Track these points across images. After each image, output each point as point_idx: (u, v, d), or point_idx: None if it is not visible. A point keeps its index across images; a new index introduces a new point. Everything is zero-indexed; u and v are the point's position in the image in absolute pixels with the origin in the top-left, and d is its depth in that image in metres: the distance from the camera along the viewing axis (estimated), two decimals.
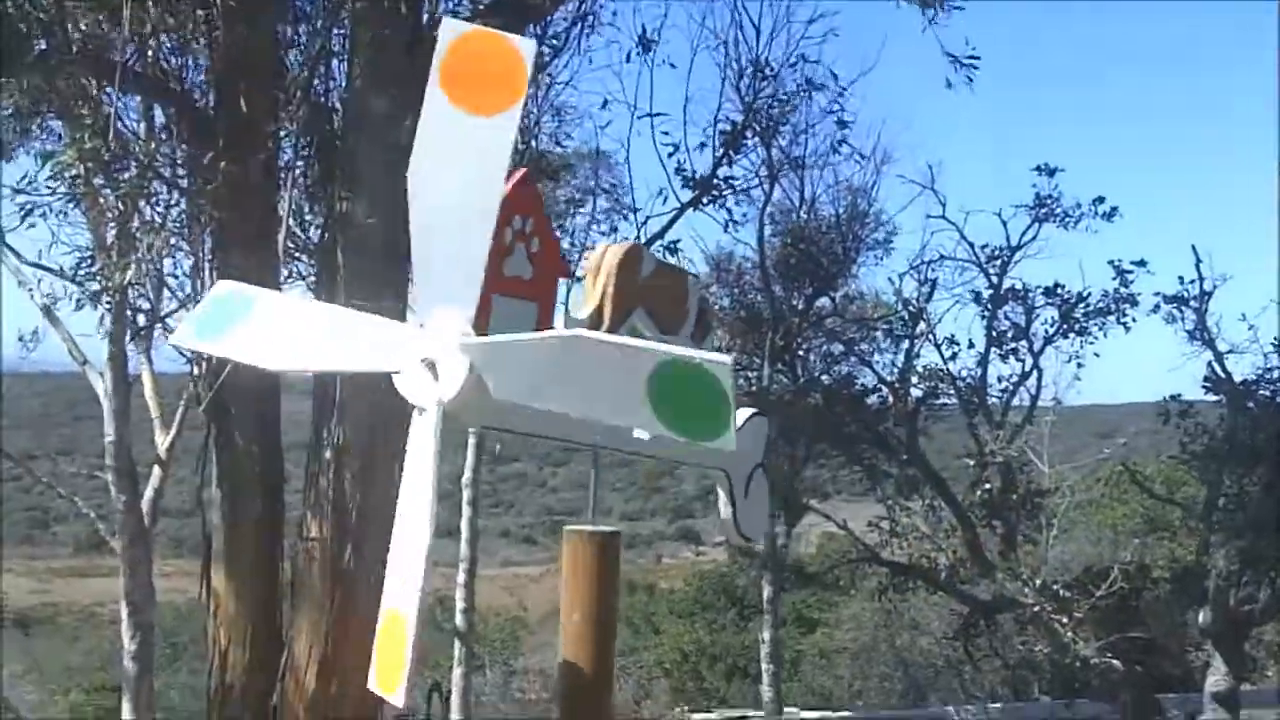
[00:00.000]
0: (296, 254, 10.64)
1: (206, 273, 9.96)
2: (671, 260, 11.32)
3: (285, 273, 10.27)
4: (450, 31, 3.43)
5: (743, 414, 4.32)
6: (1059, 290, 14.45)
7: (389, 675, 3.10)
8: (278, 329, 3.53)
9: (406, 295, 9.66)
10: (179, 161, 10.28)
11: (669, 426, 3.15)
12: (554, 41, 11.49)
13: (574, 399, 3.22)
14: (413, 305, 4.09)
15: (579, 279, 3.89)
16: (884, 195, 19.07)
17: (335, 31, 10.02)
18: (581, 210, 15.63)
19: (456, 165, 3.29)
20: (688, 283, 4.23)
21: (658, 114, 11.73)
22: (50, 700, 27.35)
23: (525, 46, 3.38)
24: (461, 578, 17.66)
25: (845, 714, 20.37)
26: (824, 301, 16.89)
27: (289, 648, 9.37)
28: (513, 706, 23.49)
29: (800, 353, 16.46)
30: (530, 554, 61.09)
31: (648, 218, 13.21)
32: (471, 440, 17.32)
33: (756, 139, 13.14)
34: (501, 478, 73.98)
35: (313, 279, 10.39)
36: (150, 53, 9.95)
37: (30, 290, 13.97)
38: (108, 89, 9.53)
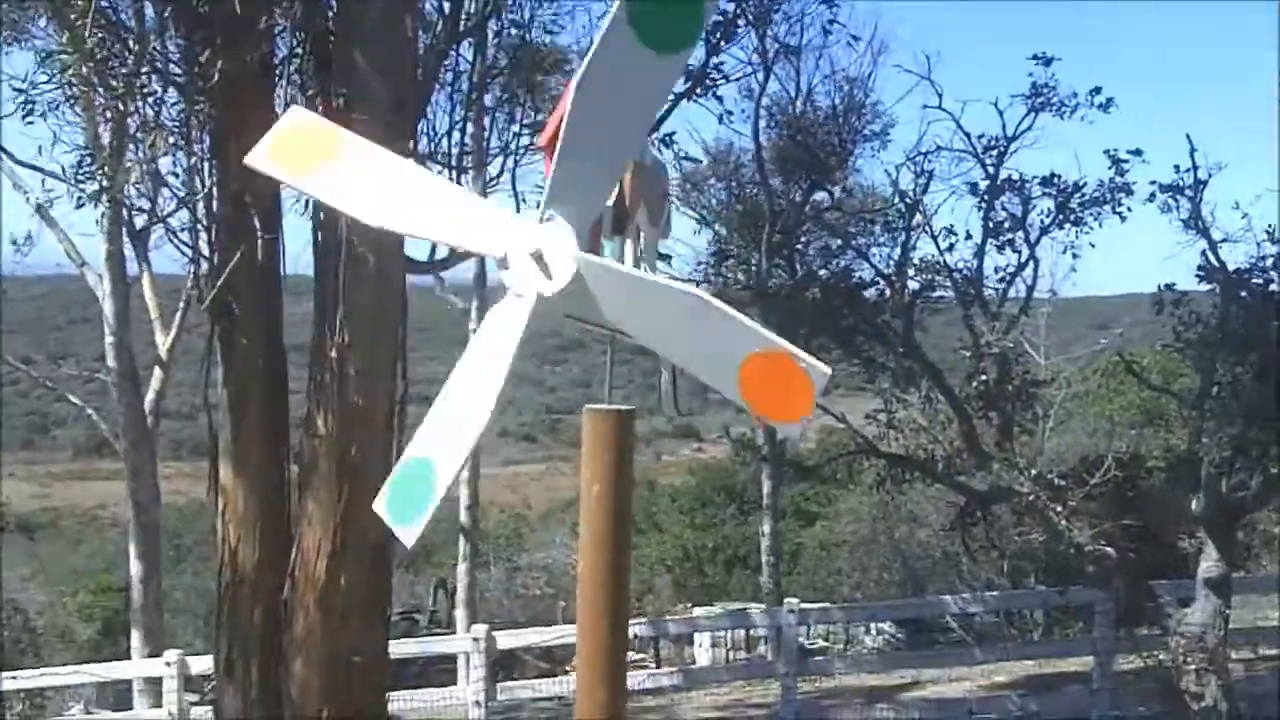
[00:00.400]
0: None
1: (205, 171, 9.96)
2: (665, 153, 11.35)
3: None
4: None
5: None
6: (1055, 180, 14.41)
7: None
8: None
9: None
10: (174, 60, 10.25)
11: (653, 46, 3.29)
12: None
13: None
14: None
15: None
16: (881, 87, 18.87)
17: None
18: None
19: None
20: (664, 175, 4.45)
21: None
22: (58, 602, 27.72)
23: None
24: (465, 474, 17.80)
25: (844, 605, 20.67)
26: (822, 195, 16.87)
27: (297, 543, 9.52)
28: (516, 602, 23.82)
29: (798, 246, 16.45)
30: (530, 452, 61.42)
31: None
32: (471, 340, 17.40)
33: (749, 27, 13.04)
34: None
35: None
36: None
37: (26, 193, 13.98)
38: None
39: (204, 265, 10.08)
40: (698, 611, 19.90)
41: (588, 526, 3.95)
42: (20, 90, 9.97)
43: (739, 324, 3.28)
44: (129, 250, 15.13)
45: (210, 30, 9.52)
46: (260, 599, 9.86)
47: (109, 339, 15.97)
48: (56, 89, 10.21)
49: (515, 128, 12.74)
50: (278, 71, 9.88)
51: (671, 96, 12.07)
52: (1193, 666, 12.17)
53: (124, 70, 9.77)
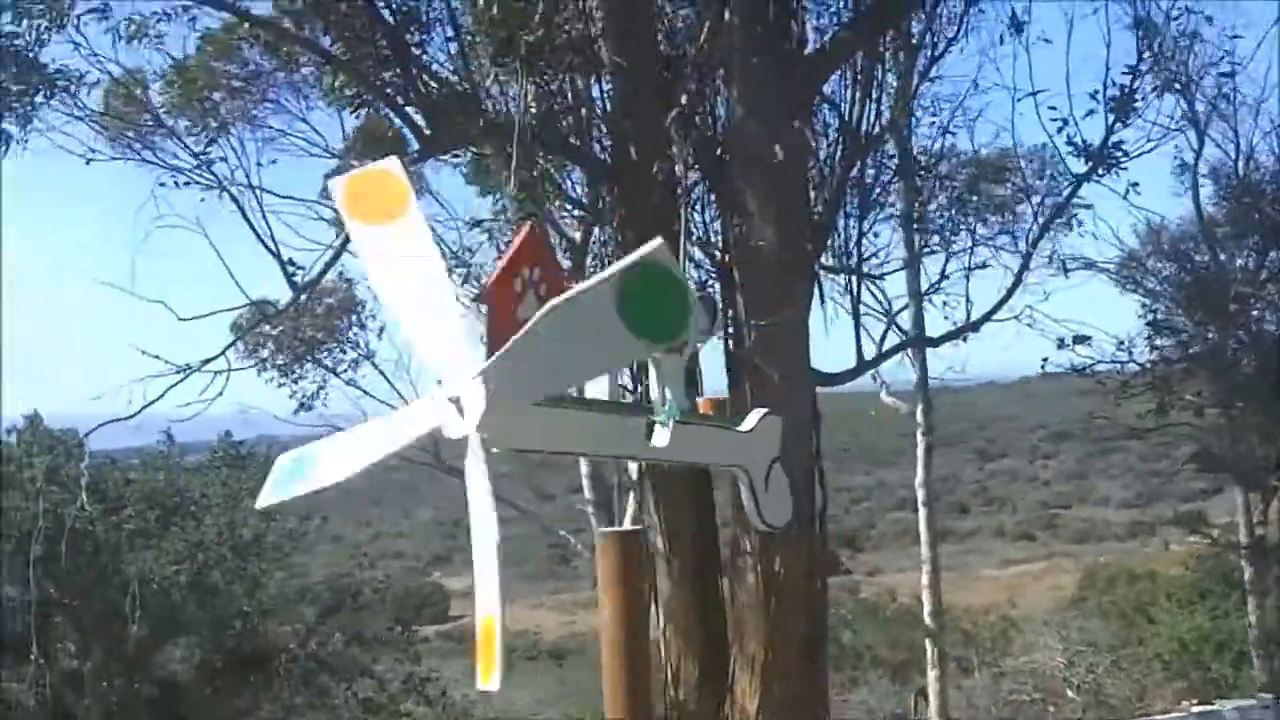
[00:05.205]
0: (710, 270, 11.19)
1: None
2: None
3: (695, 287, 10.82)
4: (337, 185, 3.93)
5: (755, 414, 4.62)
6: None
7: (488, 669, 3.37)
8: (336, 453, 3.92)
9: (805, 309, 9.93)
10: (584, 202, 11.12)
11: (645, 336, 3.47)
12: (934, 36, 11.53)
13: (580, 363, 3.58)
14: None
15: None
16: None
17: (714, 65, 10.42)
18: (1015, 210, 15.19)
19: (399, 263, 3.71)
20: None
21: (1039, 91, 11.51)
22: None
23: (391, 164, 3.88)
24: (925, 580, 17.64)
25: None
26: (1275, 255, 15.77)
27: (734, 657, 9.77)
28: (1005, 709, 23.09)
29: (1254, 313, 15.41)
30: (1029, 551, 59.16)
31: (1043, 198, 13.02)
32: (921, 443, 17.32)
33: (1157, 94, 12.45)
34: (990, 475, 72.25)
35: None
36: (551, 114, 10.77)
37: None
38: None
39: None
40: (1197, 710, 18.71)
41: (607, 647, 4.23)
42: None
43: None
44: None
45: (611, 175, 10.20)
46: (705, 714, 10.12)
47: (585, 471, 16.93)
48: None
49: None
50: (680, 200, 10.33)
51: (1072, 180, 11.85)
52: None
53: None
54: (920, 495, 17.48)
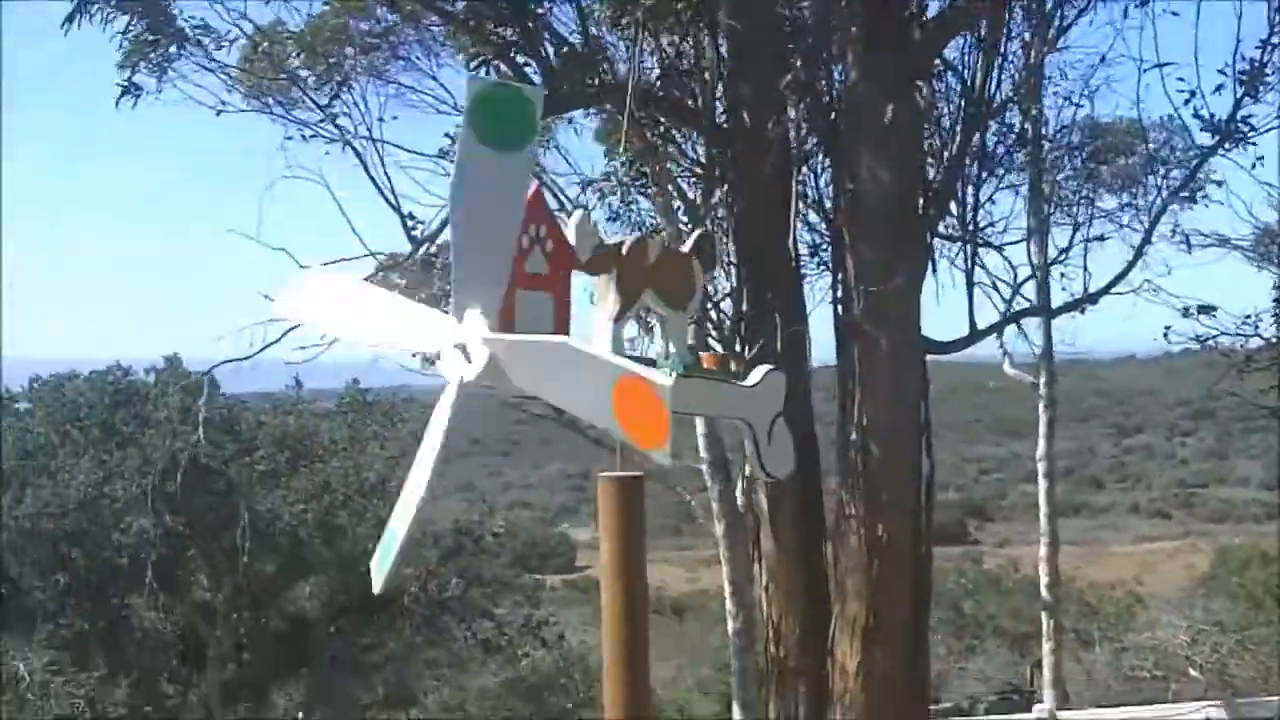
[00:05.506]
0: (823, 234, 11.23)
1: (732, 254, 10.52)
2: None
3: (807, 252, 10.98)
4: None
5: (760, 370, 4.74)
6: None
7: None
8: (404, 503, 4.08)
9: (918, 276, 9.89)
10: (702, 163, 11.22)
11: (504, 147, 3.73)
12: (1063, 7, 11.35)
13: (497, 224, 3.84)
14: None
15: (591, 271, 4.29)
16: None
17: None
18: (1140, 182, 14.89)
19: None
20: (693, 263, 4.58)
21: (1166, 63, 11.26)
22: (680, 676, 29.28)
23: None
24: (1043, 552, 17.46)
25: None
26: None
27: (835, 619, 9.85)
28: (1125, 684, 22.84)
29: None
30: (1164, 529, 58.01)
31: (1168, 169, 12.77)
32: (1044, 416, 17.13)
33: None
34: (1127, 450, 71.05)
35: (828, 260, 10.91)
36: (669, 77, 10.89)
37: None
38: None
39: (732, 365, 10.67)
40: None
41: (605, 589, 4.21)
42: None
43: (601, 359, 3.64)
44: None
45: (726, 138, 10.27)
46: (805, 672, 10.22)
47: (700, 431, 17.01)
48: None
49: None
50: (794, 164, 10.32)
51: (1197, 154, 11.62)
52: None
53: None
54: (1041, 468, 17.28)
